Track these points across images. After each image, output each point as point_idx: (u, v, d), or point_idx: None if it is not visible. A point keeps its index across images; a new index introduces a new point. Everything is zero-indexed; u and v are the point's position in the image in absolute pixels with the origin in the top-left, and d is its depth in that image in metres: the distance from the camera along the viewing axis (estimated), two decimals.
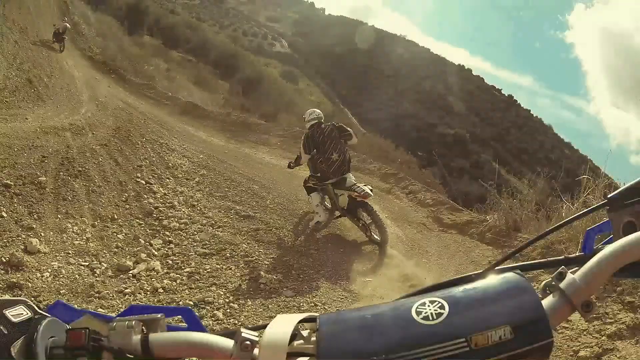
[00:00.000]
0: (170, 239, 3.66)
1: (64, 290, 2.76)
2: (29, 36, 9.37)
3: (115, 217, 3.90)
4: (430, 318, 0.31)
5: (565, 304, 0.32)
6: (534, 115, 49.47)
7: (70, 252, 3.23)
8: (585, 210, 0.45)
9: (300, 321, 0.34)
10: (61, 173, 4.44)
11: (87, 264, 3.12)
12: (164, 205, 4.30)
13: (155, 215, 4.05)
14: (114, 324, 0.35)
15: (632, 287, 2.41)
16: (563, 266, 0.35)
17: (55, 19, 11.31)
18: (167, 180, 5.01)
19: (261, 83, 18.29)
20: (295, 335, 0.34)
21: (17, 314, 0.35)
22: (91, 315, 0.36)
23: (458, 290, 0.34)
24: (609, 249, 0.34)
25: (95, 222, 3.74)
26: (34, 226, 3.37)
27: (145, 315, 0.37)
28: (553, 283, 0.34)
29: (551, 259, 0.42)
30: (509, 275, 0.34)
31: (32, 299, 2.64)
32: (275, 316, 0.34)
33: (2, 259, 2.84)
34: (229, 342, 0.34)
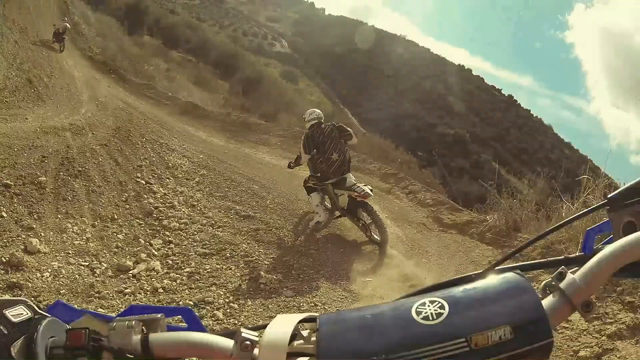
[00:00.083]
0: (170, 239, 3.66)
1: (64, 290, 2.76)
2: (29, 36, 9.37)
3: (115, 217, 3.90)
4: (431, 318, 0.31)
5: (566, 304, 0.32)
6: (534, 115, 49.49)
7: (70, 252, 3.23)
8: (585, 210, 0.45)
9: (300, 321, 0.34)
10: (61, 173, 4.44)
11: (87, 264, 3.12)
12: (164, 205, 4.30)
13: (155, 215, 4.05)
14: (114, 324, 0.35)
15: (632, 287, 2.41)
16: (563, 266, 0.35)
17: (55, 19, 11.31)
18: (167, 180, 5.01)
19: (261, 83, 18.28)
20: (295, 335, 0.34)
21: (17, 314, 0.35)
22: (91, 315, 0.36)
23: (458, 290, 0.34)
24: (608, 249, 0.34)
25: (95, 222, 3.74)
26: (34, 226, 3.37)
27: (145, 315, 0.37)
28: (553, 283, 0.34)
29: (551, 259, 0.42)
30: (509, 275, 0.34)
31: (32, 299, 2.64)
32: (275, 316, 0.34)
33: (2, 259, 2.84)
34: (229, 342, 0.34)
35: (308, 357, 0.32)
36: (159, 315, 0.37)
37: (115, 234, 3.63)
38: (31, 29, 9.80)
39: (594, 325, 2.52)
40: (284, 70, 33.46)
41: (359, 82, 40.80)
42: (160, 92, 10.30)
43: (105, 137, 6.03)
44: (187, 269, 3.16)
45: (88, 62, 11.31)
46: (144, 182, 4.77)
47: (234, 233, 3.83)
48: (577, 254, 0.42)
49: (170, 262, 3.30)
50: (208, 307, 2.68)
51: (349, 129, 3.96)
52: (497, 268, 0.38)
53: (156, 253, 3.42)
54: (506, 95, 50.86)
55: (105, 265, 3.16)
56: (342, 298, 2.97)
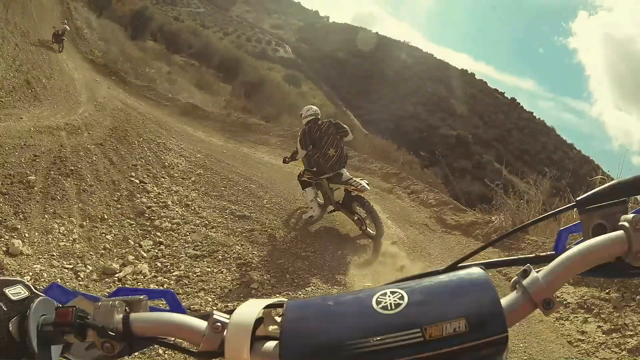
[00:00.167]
0: (160, 239, 3.49)
1: None
2: (31, 40, 9.40)
3: (106, 217, 3.76)
4: (389, 308, 0.32)
5: (527, 301, 0.33)
6: (537, 117, 49.02)
7: (54, 253, 3.08)
8: (553, 211, 0.46)
9: (269, 306, 0.36)
10: (52, 172, 4.32)
11: (71, 266, 2.96)
12: (157, 205, 4.15)
13: (147, 215, 3.90)
14: (99, 303, 0.37)
15: None
16: (528, 264, 0.35)
17: (57, 23, 11.37)
18: (162, 179, 4.87)
19: (263, 86, 18.26)
20: (264, 319, 0.35)
21: (16, 292, 0.37)
22: (83, 297, 0.39)
23: (420, 283, 0.34)
24: (573, 250, 0.35)
25: (84, 223, 3.60)
26: (19, 227, 3.23)
27: (129, 296, 0.39)
28: (517, 280, 0.35)
29: (522, 256, 0.43)
30: (472, 270, 0.35)
31: None
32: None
33: None
34: (202, 324, 0.36)
35: (274, 340, 0.33)
36: (142, 297, 0.39)
37: (103, 235, 3.47)
38: (33, 33, 9.85)
39: (612, 338, 2.31)
40: (287, 74, 33.52)
41: (362, 86, 40.79)
42: (161, 93, 10.25)
43: (101, 136, 5.93)
44: (176, 272, 2.98)
45: (89, 65, 11.33)
46: (138, 182, 4.63)
47: (228, 234, 3.65)
48: (547, 253, 0.42)
49: (159, 264, 3.13)
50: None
51: (345, 125, 3.97)
52: (463, 264, 0.39)
53: (145, 255, 3.25)
54: (509, 98, 50.55)
55: (90, 268, 2.99)
56: None
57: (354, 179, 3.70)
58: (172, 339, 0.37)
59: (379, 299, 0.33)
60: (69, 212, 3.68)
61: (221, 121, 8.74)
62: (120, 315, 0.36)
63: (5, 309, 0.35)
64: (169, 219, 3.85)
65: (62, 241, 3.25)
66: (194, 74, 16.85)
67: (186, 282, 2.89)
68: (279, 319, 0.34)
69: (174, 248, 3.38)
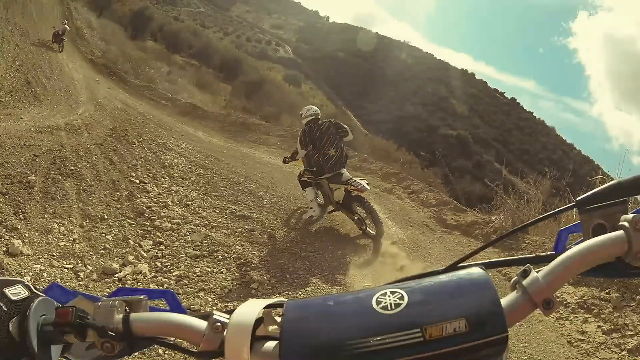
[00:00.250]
0: (160, 239, 3.49)
1: None
2: (31, 40, 9.40)
3: (105, 217, 3.75)
4: (389, 308, 0.32)
5: (527, 301, 0.33)
6: (537, 117, 48.98)
7: (54, 254, 3.08)
8: (553, 212, 0.47)
9: (269, 306, 0.36)
10: (52, 172, 4.32)
11: (71, 266, 2.96)
12: (157, 205, 4.14)
13: (147, 215, 3.90)
14: (100, 303, 0.37)
15: None
16: (528, 264, 0.35)
17: (57, 24, 11.37)
18: (162, 179, 4.87)
19: (264, 86, 18.25)
20: (264, 319, 0.35)
21: (16, 292, 0.37)
22: (83, 297, 0.39)
23: (420, 283, 0.34)
24: (573, 250, 0.35)
25: (84, 223, 3.59)
26: (19, 227, 3.23)
27: (129, 296, 0.39)
28: (517, 280, 0.35)
29: (522, 256, 0.43)
30: (472, 270, 0.35)
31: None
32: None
33: None
34: (202, 324, 0.36)
35: (274, 340, 0.33)
36: (142, 297, 0.39)
37: (103, 235, 3.47)
38: (33, 33, 9.85)
39: (612, 338, 2.31)
40: (287, 74, 33.52)
41: (362, 86, 40.78)
42: (161, 93, 10.24)
43: (101, 136, 5.92)
44: (176, 272, 2.98)
45: (89, 65, 11.33)
46: (138, 182, 4.63)
47: (228, 234, 3.65)
48: (547, 253, 0.42)
49: (159, 264, 3.13)
50: None
51: (345, 125, 3.98)
52: (462, 264, 0.39)
53: (145, 255, 3.25)
54: (509, 98, 50.52)
55: (90, 268, 2.99)
56: None
57: (354, 179, 3.71)
58: (172, 339, 0.37)
59: (379, 299, 0.33)
60: (69, 212, 3.68)
61: (221, 121, 8.74)
62: (120, 315, 0.36)
63: (6, 309, 0.35)
64: (169, 219, 3.85)
65: (62, 241, 3.24)
66: (194, 73, 16.85)
67: (186, 282, 2.89)
68: (279, 319, 0.34)
69: (174, 248, 3.38)
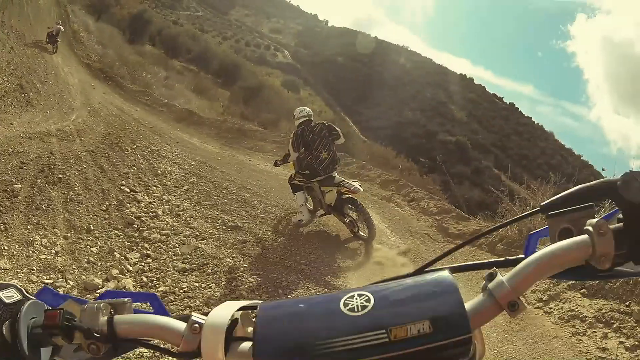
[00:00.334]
0: (148, 252, 3.34)
1: None
2: (27, 43, 9.30)
3: (92, 227, 3.60)
4: (356, 310, 0.33)
5: (492, 304, 0.34)
6: (535, 122, 49.07)
7: (34, 268, 2.92)
8: (519, 216, 0.48)
9: (243, 307, 0.37)
10: (39, 180, 4.17)
11: (51, 281, 2.80)
12: (146, 215, 3.99)
13: (135, 226, 3.74)
14: (86, 306, 0.38)
15: None
16: (495, 267, 0.37)
17: (53, 26, 11.29)
18: (154, 188, 4.72)
19: (262, 92, 18.16)
20: (241, 321, 0.37)
21: (9, 296, 0.38)
22: (72, 300, 0.40)
23: (387, 286, 0.36)
24: (538, 254, 0.36)
25: (68, 234, 3.44)
26: None
27: (114, 299, 0.39)
28: (485, 283, 0.36)
29: (492, 260, 0.43)
30: (438, 274, 0.36)
31: None
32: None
33: None
34: (182, 325, 0.37)
35: (248, 341, 0.34)
36: (126, 300, 0.40)
37: (88, 247, 3.31)
38: (29, 36, 9.75)
39: (637, 356, 2.16)
40: (285, 80, 33.53)
41: (361, 91, 40.83)
42: (157, 99, 10.13)
43: (93, 143, 5.79)
44: (162, 288, 2.82)
45: (85, 69, 11.23)
46: (129, 190, 4.48)
47: (219, 246, 3.50)
48: (516, 257, 0.42)
49: (144, 279, 2.97)
50: None
51: (337, 128, 3.94)
52: (430, 268, 0.40)
53: (131, 269, 3.09)
54: (507, 103, 50.64)
55: (71, 283, 2.83)
56: None
57: (346, 180, 3.71)
58: (155, 340, 0.38)
59: (346, 301, 0.34)
60: (53, 222, 3.53)
61: (217, 127, 8.61)
62: (105, 317, 0.37)
63: None
64: (158, 230, 3.70)
65: (44, 254, 3.09)
66: (192, 79, 16.76)
67: (172, 298, 2.73)
68: (250, 319, 0.36)
69: (161, 261, 3.22)
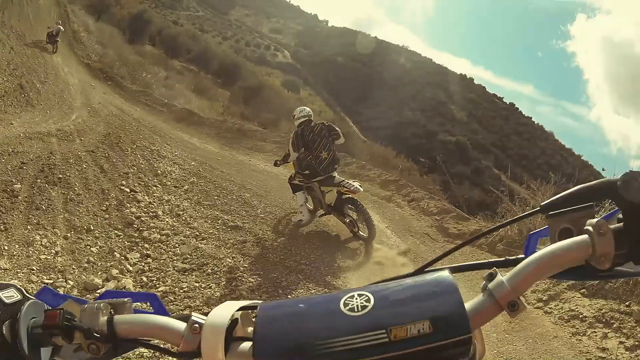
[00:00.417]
0: (148, 252, 3.34)
1: None
2: (27, 43, 9.31)
3: (92, 228, 3.60)
4: (356, 310, 0.33)
5: (492, 304, 0.34)
6: (535, 123, 49.04)
7: (34, 268, 2.92)
8: (519, 216, 0.48)
9: (243, 307, 0.37)
10: (39, 180, 4.17)
11: (51, 281, 2.80)
12: (146, 215, 3.99)
13: (135, 226, 3.75)
14: (86, 306, 0.38)
15: None
16: (495, 267, 0.37)
17: (53, 25, 11.29)
18: (154, 188, 4.72)
19: (262, 92, 18.15)
20: (241, 321, 0.37)
21: (9, 296, 0.38)
22: (72, 300, 0.40)
23: (387, 286, 0.36)
24: (538, 254, 0.36)
25: (68, 234, 3.44)
26: None
27: (114, 299, 0.39)
28: (485, 283, 0.36)
29: (492, 260, 0.43)
30: (438, 274, 0.36)
31: None
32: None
33: None
34: (182, 325, 0.37)
35: (248, 341, 0.34)
36: (126, 300, 0.39)
37: (88, 247, 3.31)
38: (29, 36, 9.75)
39: (638, 356, 2.15)
40: (285, 80, 33.52)
41: (361, 91, 40.82)
42: (157, 99, 10.13)
43: (93, 143, 5.79)
44: (162, 288, 2.82)
45: (85, 69, 11.23)
46: (129, 190, 4.48)
47: (219, 246, 3.50)
48: (516, 257, 0.42)
49: (144, 279, 2.97)
50: None
51: (337, 128, 3.94)
52: (430, 268, 0.40)
53: (131, 269, 3.09)
54: (507, 103, 50.62)
55: (71, 283, 2.83)
56: None
57: (346, 180, 3.71)
58: (155, 340, 0.38)
59: (346, 301, 0.34)
60: (53, 222, 3.53)
61: (217, 127, 8.62)
62: (105, 317, 0.37)
63: None
64: (158, 230, 3.70)
65: (44, 254, 3.09)
66: (192, 79, 16.76)
67: (172, 298, 2.73)
68: (250, 319, 0.36)
69: (161, 261, 3.22)
